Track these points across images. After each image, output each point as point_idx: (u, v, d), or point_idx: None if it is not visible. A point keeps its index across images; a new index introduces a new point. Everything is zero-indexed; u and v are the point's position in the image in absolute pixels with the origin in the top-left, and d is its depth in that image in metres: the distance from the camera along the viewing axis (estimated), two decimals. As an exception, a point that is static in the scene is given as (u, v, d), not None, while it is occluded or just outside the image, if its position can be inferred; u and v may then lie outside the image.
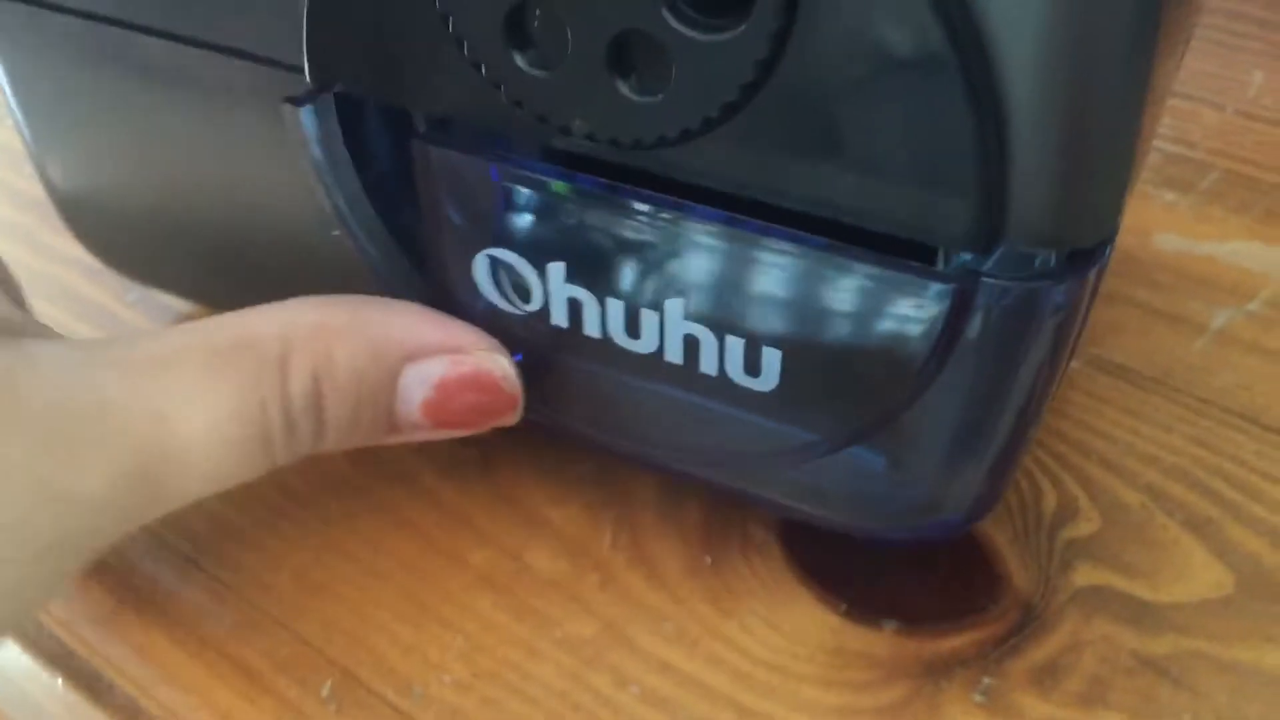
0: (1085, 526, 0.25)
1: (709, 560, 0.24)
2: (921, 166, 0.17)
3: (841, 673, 0.22)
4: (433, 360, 0.22)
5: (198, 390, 0.20)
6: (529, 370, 0.23)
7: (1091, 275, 0.19)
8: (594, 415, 0.24)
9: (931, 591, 0.24)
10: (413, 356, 0.21)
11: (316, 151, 0.22)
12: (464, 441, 0.26)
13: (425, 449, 0.26)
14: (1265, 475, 0.26)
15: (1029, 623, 0.23)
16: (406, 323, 0.22)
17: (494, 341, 0.22)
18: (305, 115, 0.22)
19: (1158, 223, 0.34)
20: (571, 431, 0.25)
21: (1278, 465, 0.26)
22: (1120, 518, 0.25)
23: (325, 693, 0.22)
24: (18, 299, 0.23)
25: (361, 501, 0.25)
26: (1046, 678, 0.22)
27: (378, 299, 0.22)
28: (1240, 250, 0.33)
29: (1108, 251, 0.19)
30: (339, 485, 0.25)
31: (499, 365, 0.22)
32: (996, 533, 0.25)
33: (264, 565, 0.24)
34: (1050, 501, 0.26)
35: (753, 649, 0.23)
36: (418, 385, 0.21)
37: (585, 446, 0.26)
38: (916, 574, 0.24)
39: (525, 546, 0.24)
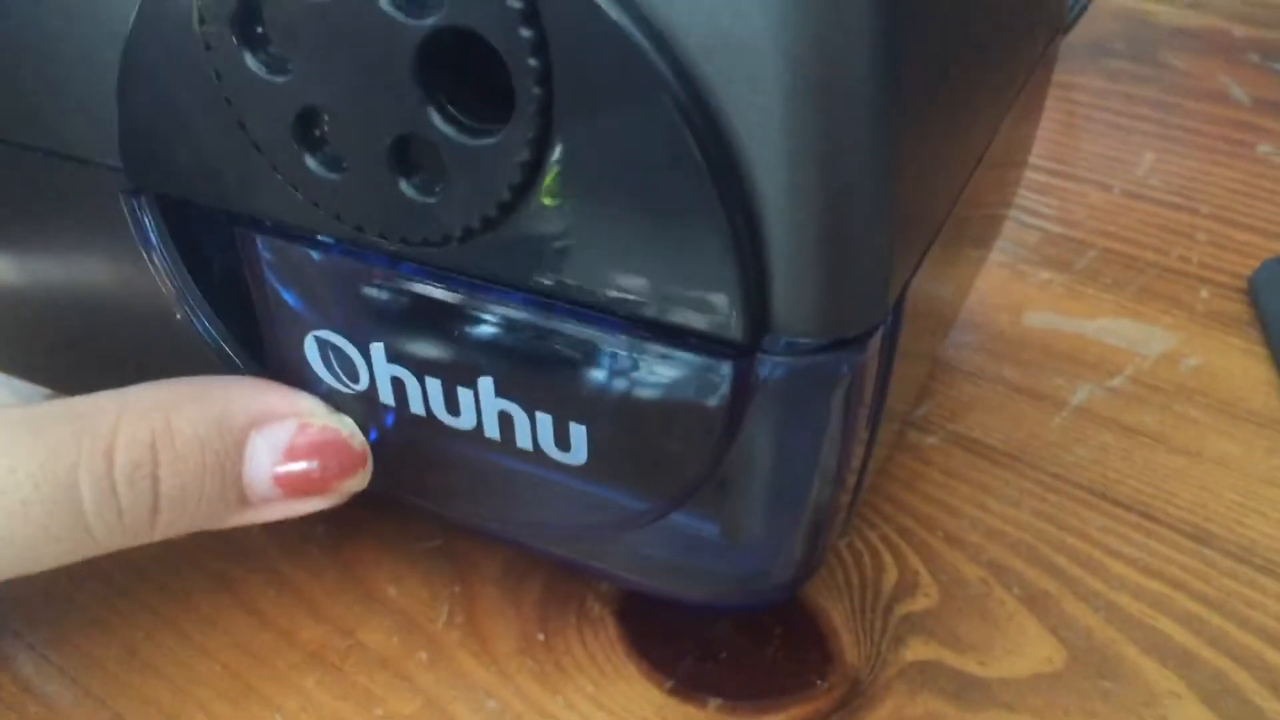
0: (922, 601, 0.25)
1: (542, 637, 0.24)
2: (682, 266, 0.18)
3: (659, 750, 0.22)
4: (280, 425, 0.22)
5: (2, 449, 0.19)
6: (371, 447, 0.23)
7: (868, 356, 0.20)
8: (430, 489, 0.24)
9: (761, 668, 0.24)
10: (259, 423, 0.21)
11: (152, 241, 0.23)
12: (313, 519, 0.26)
13: (274, 527, 0.26)
14: (1108, 550, 0.26)
15: (854, 698, 0.23)
16: (251, 392, 0.22)
17: (324, 404, 0.22)
18: (136, 209, 0.22)
19: (1030, 301, 0.35)
20: (412, 506, 0.25)
21: (1122, 540, 0.27)
22: (958, 592, 0.25)
23: (135, 772, 0.22)
24: None
25: (202, 578, 0.25)
26: (864, 754, 0.22)
27: (221, 376, 0.22)
28: (1109, 327, 0.34)
29: (883, 333, 0.19)
30: (181, 562, 0.26)
31: (345, 424, 0.22)
32: (833, 608, 0.25)
33: (93, 641, 0.24)
34: (891, 577, 0.26)
35: (574, 726, 0.23)
36: (267, 451, 0.21)
37: (429, 520, 0.26)
38: (749, 650, 0.24)
39: (360, 624, 0.24)
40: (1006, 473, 0.29)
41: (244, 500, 0.22)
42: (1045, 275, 0.36)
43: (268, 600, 0.25)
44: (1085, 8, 0.48)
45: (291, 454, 0.22)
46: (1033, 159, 0.42)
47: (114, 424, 0.20)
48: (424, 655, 0.24)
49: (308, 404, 0.22)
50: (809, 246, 0.17)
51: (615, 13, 0.16)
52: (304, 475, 0.22)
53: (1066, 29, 0.45)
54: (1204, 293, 0.35)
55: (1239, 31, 0.53)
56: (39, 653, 0.24)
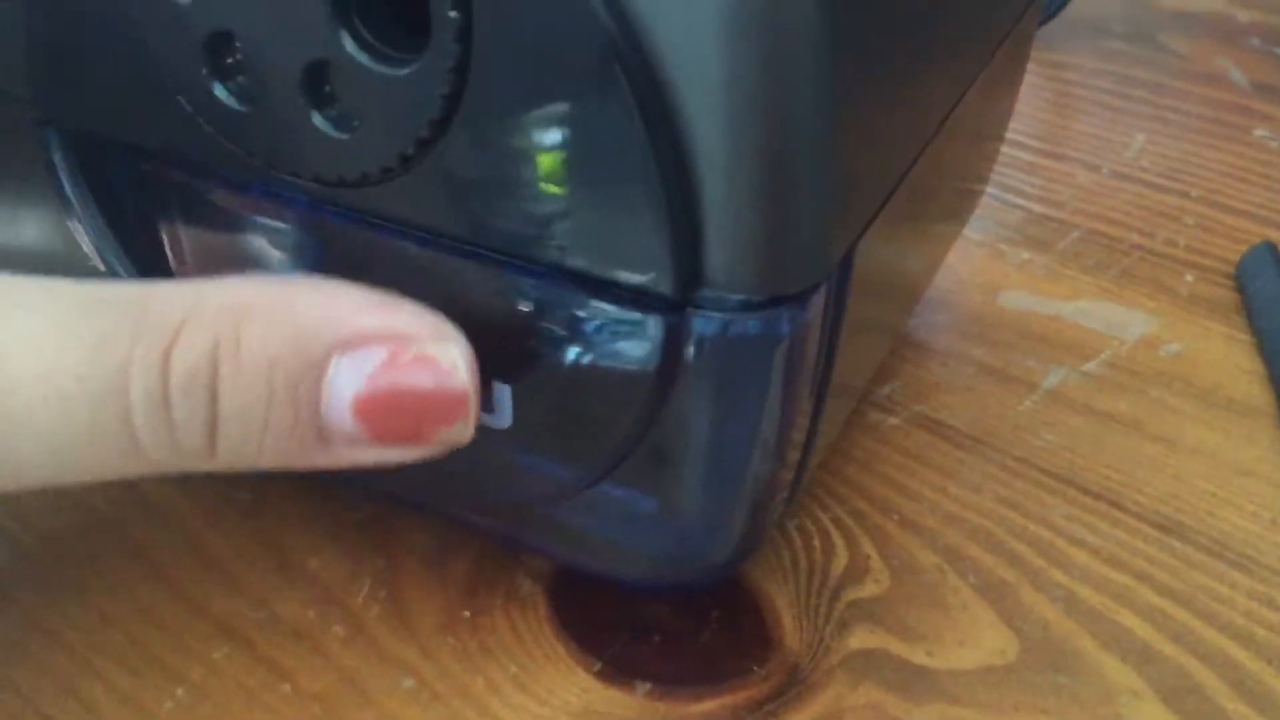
0: (872, 587, 0.24)
1: (467, 614, 0.23)
2: (609, 213, 0.17)
3: (581, 735, 0.21)
4: (369, 349, 0.17)
5: (47, 327, 0.16)
6: None
7: (809, 316, 0.18)
8: None
9: (696, 652, 0.23)
10: (345, 346, 0.17)
11: (62, 179, 0.22)
12: (236, 483, 0.25)
13: (192, 490, 0.25)
14: (1071, 539, 0.25)
15: (791, 686, 0.22)
16: (340, 305, 0.17)
17: (448, 327, 0.18)
18: (47, 142, 0.21)
19: (1008, 280, 0.33)
20: (339, 475, 0.24)
21: (1087, 529, 0.25)
22: (910, 579, 0.24)
23: (22, 745, 0.20)
24: None
25: (113, 542, 0.24)
26: (798, 746, 0.21)
27: (313, 280, 0.18)
28: (1087, 309, 0.32)
29: (825, 292, 0.18)
30: (92, 524, 0.24)
31: (447, 356, 0.18)
32: (777, 592, 0.24)
33: (-8, 609, 0.23)
34: (841, 561, 0.24)
35: (495, 709, 0.21)
36: (349, 379, 0.17)
37: (356, 490, 0.25)
38: (684, 633, 0.23)
39: (276, 595, 0.23)
40: (970, 456, 0.27)
41: (322, 438, 0.18)
42: (1025, 255, 0.35)
43: (180, 569, 0.24)
44: (1081, -15, 0.46)
45: (377, 382, 0.17)
46: (1019, 138, 0.41)
47: (179, 320, 0.17)
48: (340, 630, 0.23)
49: (413, 323, 0.17)
50: (744, 195, 0.16)
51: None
52: (392, 413, 0.18)
53: (1058, 6, 0.44)
54: (1189, 277, 0.34)
55: (1243, 16, 0.51)
56: (-66, 616, 0.23)
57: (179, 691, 0.21)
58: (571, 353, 0.19)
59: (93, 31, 0.19)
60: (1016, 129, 0.41)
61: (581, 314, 0.18)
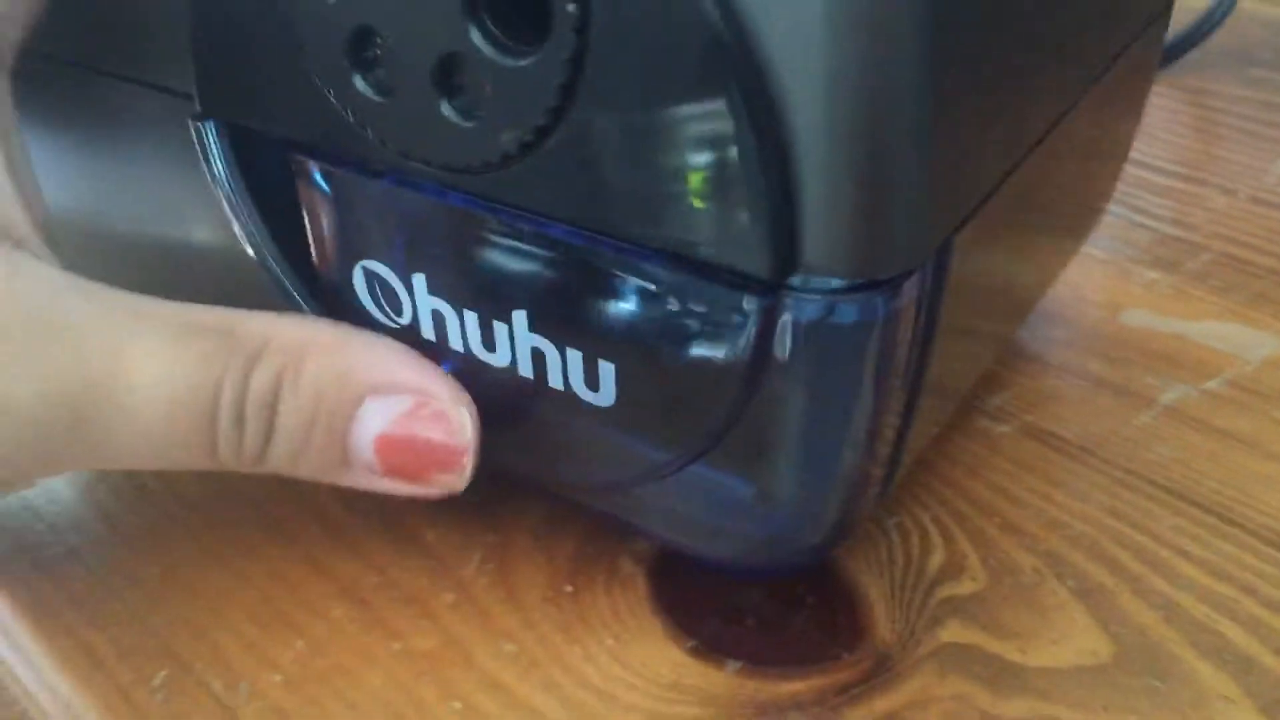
0: (968, 585, 0.24)
1: (570, 589, 0.24)
2: (714, 197, 0.18)
3: (670, 706, 0.22)
4: (398, 398, 0.21)
5: (160, 344, 0.20)
6: None
7: (902, 302, 0.19)
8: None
9: (788, 637, 0.23)
10: (378, 390, 0.21)
11: (217, 169, 0.24)
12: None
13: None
14: (1176, 550, 0.25)
15: (879, 674, 0.22)
16: (382, 357, 0.22)
17: (464, 395, 0.22)
18: (203, 135, 0.23)
19: (1132, 299, 0.33)
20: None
21: (1194, 541, 0.25)
22: (1007, 579, 0.24)
23: (157, 682, 0.22)
24: (37, 218, 0.23)
25: (251, 514, 0.26)
26: (882, 729, 0.21)
27: (366, 332, 0.22)
28: (1213, 330, 0.32)
29: (919, 281, 0.19)
30: (231, 495, 0.26)
31: (461, 416, 0.22)
32: (872, 584, 0.24)
33: (138, 561, 0.25)
34: (938, 559, 0.25)
35: (589, 676, 0.22)
36: (376, 418, 0.21)
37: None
38: (777, 617, 0.24)
39: (393, 563, 0.25)
40: (1078, 466, 0.27)
41: (345, 461, 0.22)
42: (1152, 275, 0.34)
43: (310, 536, 0.25)
44: (1228, 11, 0.46)
45: (399, 426, 0.21)
46: (1155, 162, 0.40)
47: (258, 347, 0.21)
48: (450, 597, 0.24)
49: (437, 385, 0.22)
50: (841, 179, 0.17)
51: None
52: (403, 454, 0.22)
53: (1202, 35, 0.43)
54: (1324, 301, 0.33)
55: (1403, 45, 0.50)
56: (88, 567, 0.25)
57: (299, 643, 0.23)
58: (671, 334, 0.20)
59: (249, 29, 0.21)
60: (1153, 153, 0.41)
61: (682, 296, 0.19)
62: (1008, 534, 0.25)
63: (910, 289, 0.19)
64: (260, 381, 0.21)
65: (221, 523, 0.26)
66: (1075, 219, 0.29)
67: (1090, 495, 0.26)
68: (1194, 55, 0.47)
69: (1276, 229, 0.37)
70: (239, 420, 0.21)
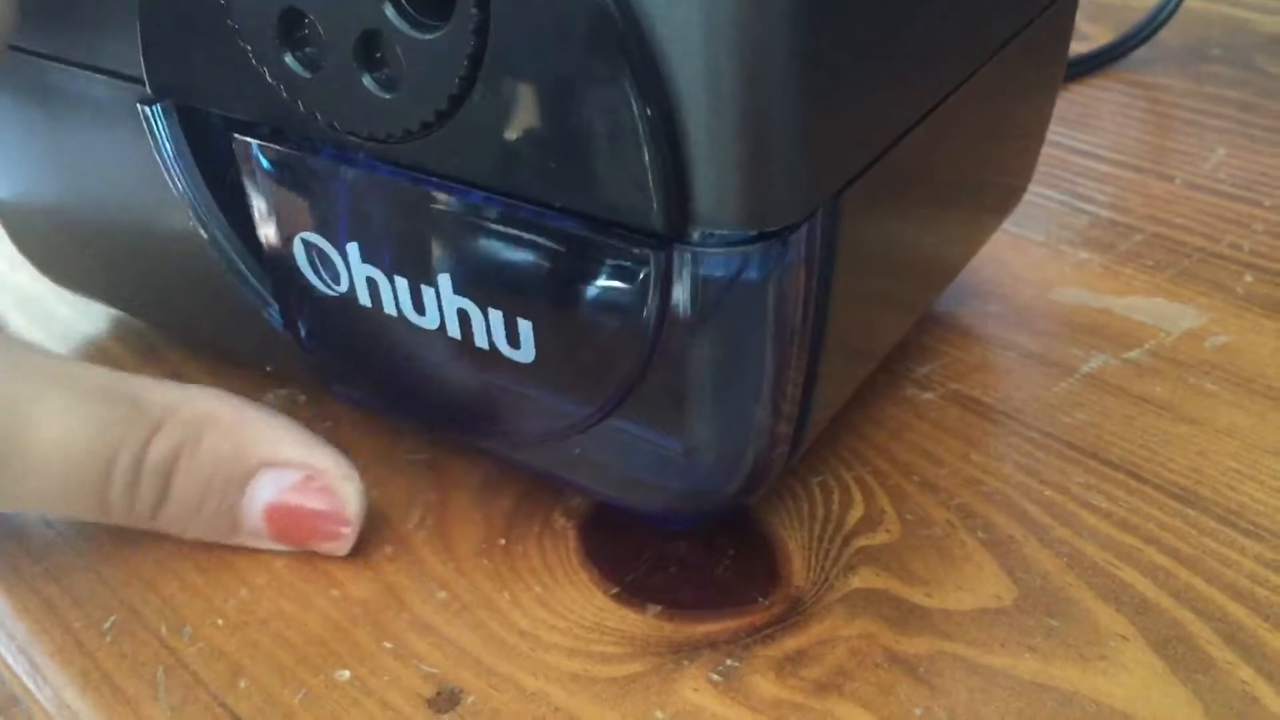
0: (882, 536, 0.25)
1: (503, 542, 0.25)
2: (610, 157, 0.19)
3: (589, 645, 0.23)
4: (289, 471, 0.24)
5: (66, 406, 0.22)
6: (353, 352, 0.25)
7: (793, 253, 0.20)
8: (406, 395, 0.26)
9: (708, 583, 0.24)
10: (271, 463, 0.24)
11: (166, 149, 0.25)
12: (315, 419, 0.28)
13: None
14: (1084, 504, 0.26)
15: (791, 615, 0.23)
16: (277, 434, 0.24)
17: (352, 471, 0.24)
18: (152, 117, 0.25)
19: (1063, 278, 0.34)
20: (394, 413, 0.27)
21: (1103, 496, 0.26)
22: (920, 531, 0.25)
23: (107, 626, 0.23)
24: None
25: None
26: (789, 665, 0.22)
27: (264, 409, 0.24)
28: (1139, 305, 0.33)
29: (809, 232, 0.20)
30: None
31: (347, 492, 0.24)
32: (791, 537, 0.25)
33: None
34: (856, 513, 0.26)
35: (515, 619, 0.24)
36: (267, 489, 0.24)
37: (417, 432, 0.28)
38: (699, 566, 0.25)
39: (336, 519, 0.26)
40: (997, 429, 0.28)
41: (234, 527, 0.24)
42: (1084, 255, 0.35)
43: (258, 493, 0.27)
44: (1175, 8, 0.47)
45: (286, 500, 0.24)
46: (1099, 151, 0.42)
47: (160, 418, 0.23)
48: (389, 549, 0.25)
49: (326, 461, 0.24)
50: (723, 135, 0.18)
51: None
52: (290, 522, 0.24)
53: (1151, 30, 0.45)
54: (1249, 278, 0.34)
55: (1350, 41, 0.51)
56: (47, 522, 0.26)
57: (243, 591, 0.24)
58: (580, 291, 0.21)
59: (192, 12, 0.22)
60: (1098, 143, 0.42)
61: (587, 254, 0.20)
62: (925, 490, 0.27)
63: (798, 241, 0.20)
64: (159, 450, 0.22)
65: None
66: (988, 194, 0.30)
67: (1006, 455, 0.28)
68: (1144, 52, 0.49)
69: (1209, 211, 0.38)
70: (133, 485, 0.23)
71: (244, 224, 0.25)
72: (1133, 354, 0.31)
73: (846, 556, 0.25)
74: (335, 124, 0.21)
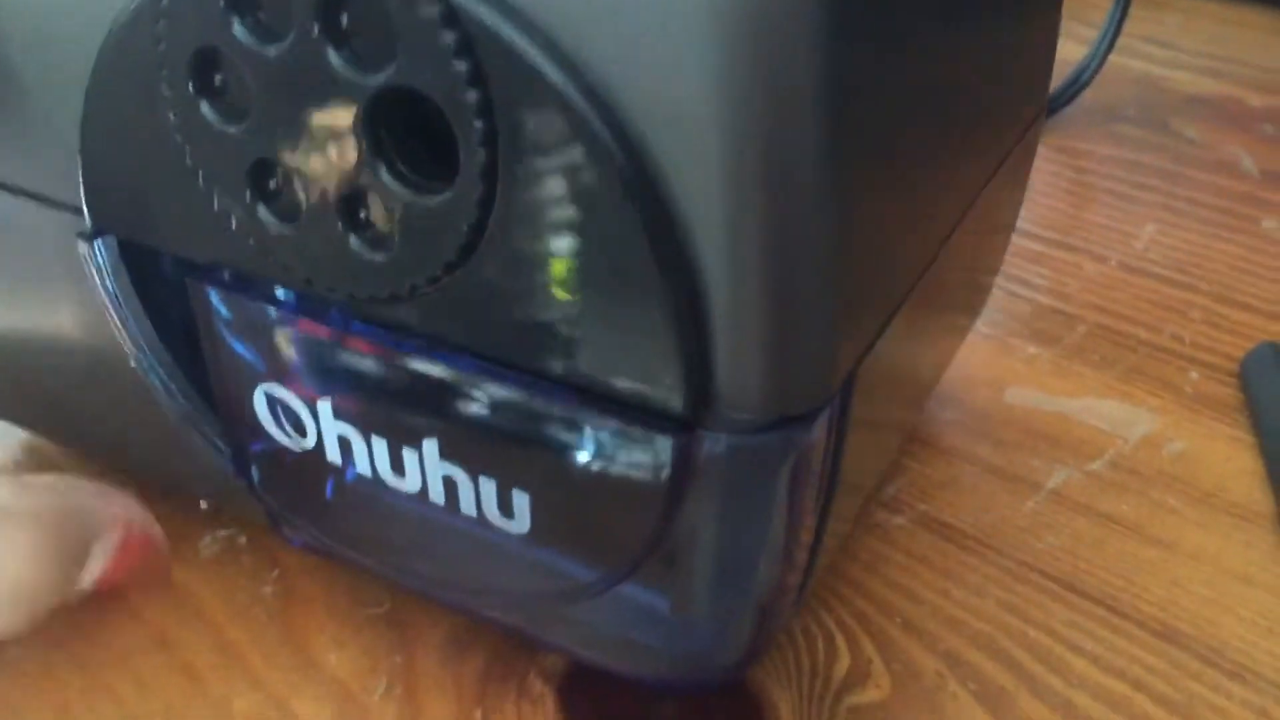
0: (873, 692, 0.25)
1: (479, 714, 0.24)
2: (623, 335, 0.17)
3: (586, 840, 0.22)
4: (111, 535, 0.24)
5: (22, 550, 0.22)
6: (315, 504, 0.23)
7: (814, 436, 0.19)
8: (377, 550, 0.24)
9: (700, 756, 0.23)
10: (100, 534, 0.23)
11: (109, 285, 0.23)
12: (264, 581, 0.26)
13: (223, 588, 0.26)
14: (1071, 646, 0.26)
15: (791, 794, 0.23)
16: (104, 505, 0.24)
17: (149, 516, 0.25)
18: (95, 252, 0.22)
19: (1015, 376, 0.34)
20: (360, 565, 0.25)
21: (1086, 636, 0.26)
22: (911, 684, 0.25)
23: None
24: None
25: (142, 636, 0.25)
26: None
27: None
28: (1093, 407, 0.33)
29: (830, 413, 0.19)
30: (125, 620, 0.25)
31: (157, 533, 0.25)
32: (781, 695, 0.24)
33: (27, 698, 0.24)
34: (843, 665, 0.25)
35: (503, 810, 0.22)
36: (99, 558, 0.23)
37: (377, 582, 0.26)
38: (689, 736, 0.24)
39: (295, 693, 0.24)
40: (973, 558, 0.28)
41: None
42: (1032, 350, 0.35)
43: (206, 664, 0.25)
44: (1099, 68, 0.47)
45: (118, 557, 0.23)
46: (1030, 227, 0.42)
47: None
48: (358, 728, 0.23)
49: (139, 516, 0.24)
50: (751, 322, 0.17)
51: (557, 77, 0.15)
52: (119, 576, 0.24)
53: (1072, 94, 0.45)
54: (1194, 374, 0.34)
55: (1255, 100, 0.52)
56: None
57: (201, 789, 0.22)
58: (586, 465, 0.20)
59: (145, 151, 0.20)
60: (1026, 216, 0.42)
61: (596, 429, 0.19)
62: (908, 634, 0.26)
63: (821, 421, 0.19)
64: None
65: (112, 650, 0.25)
66: (971, 297, 0.30)
67: (985, 590, 0.27)
68: (1063, 113, 0.49)
69: (1145, 297, 0.38)
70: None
71: (194, 367, 0.23)
72: (1094, 465, 0.31)
73: (840, 718, 0.24)
74: (313, 280, 0.19)
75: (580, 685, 0.25)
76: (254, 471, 0.24)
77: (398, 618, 0.26)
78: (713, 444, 0.18)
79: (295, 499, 0.24)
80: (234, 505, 0.26)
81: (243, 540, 0.27)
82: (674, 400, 0.18)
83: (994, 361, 0.35)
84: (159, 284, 0.23)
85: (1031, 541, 0.28)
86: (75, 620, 0.25)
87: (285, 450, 0.23)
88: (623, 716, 0.24)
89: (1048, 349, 0.35)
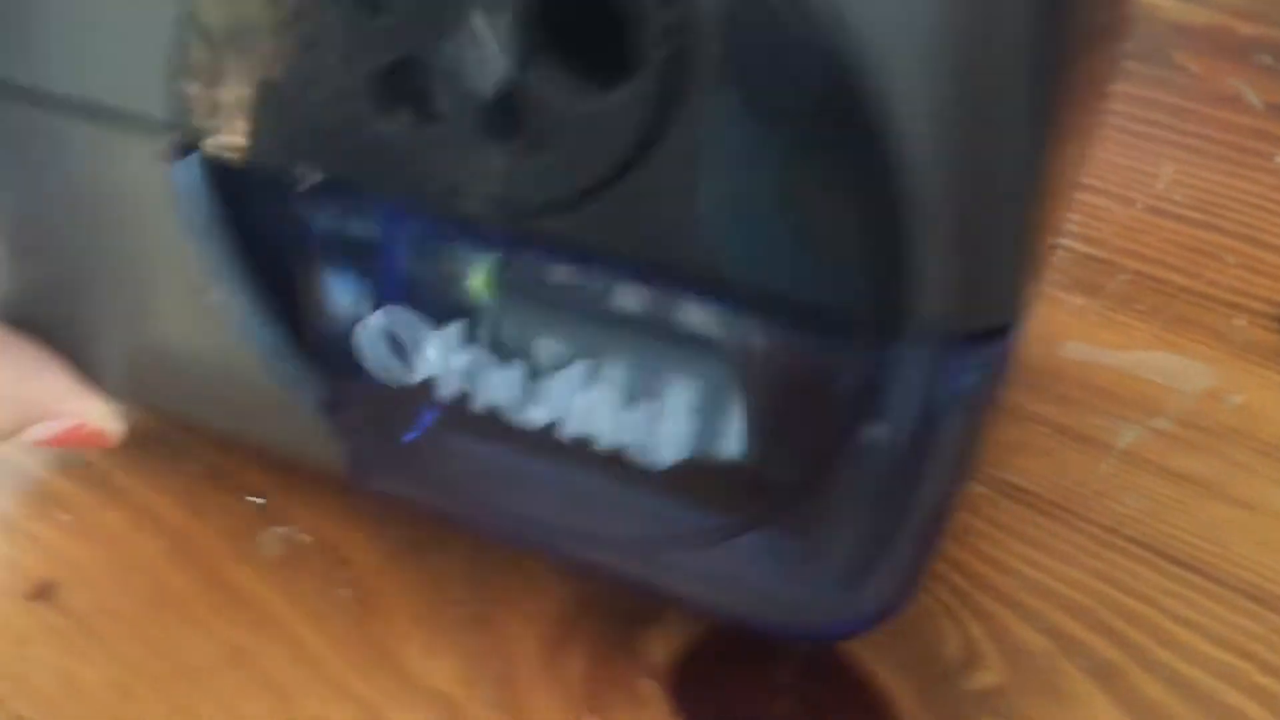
0: (990, 676, 0.24)
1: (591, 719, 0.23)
2: (822, 243, 0.16)
3: None
4: (59, 421, 0.24)
5: None
6: (405, 447, 0.22)
7: (1007, 350, 0.18)
8: (471, 497, 0.23)
9: (826, 752, 0.22)
10: (47, 417, 0.24)
11: (194, 209, 0.21)
12: (337, 582, 0.24)
13: (293, 592, 0.24)
14: (1171, 615, 0.25)
15: (926, 789, 0.22)
16: (52, 390, 0.24)
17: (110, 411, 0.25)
18: (181, 171, 0.20)
19: (1066, 329, 0.34)
20: (448, 512, 0.24)
21: (1183, 603, 0.26)
22: (1025, 664, 0.24)
23: None
24: None
25: (217, 652, 0.23)
26: None
27: (39, 357, 0.24)
28: (1146, 360, 0.33)
29: (1010, 339, 0.18)
30: (199, 635, 0.24)
31: (111, 426, 0.25)
32: (898, 685, 0.24)
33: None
34: (952, 646, 0.25)
35: (633, 822, 0.21)
36: (38, 432, 0.24)
37: (474, 532, 0.25)
38: (811, 732, 0.23)
39: (392, 702, 0.23)
40: (1058, 525, 0.27)
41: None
42: (1078, 301, 0.35)
43: (294, 680, 0.23)
44: None
45: (55, 439, 0.25)
46: (1052, 169, 0.41)
47: None
48: (469, 742, 0.22)
49: (93, 412, 0.25)
50: (963, 227, 0.16)
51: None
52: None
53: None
54: (1238, 321, 0.34)
55: (1245, 29, 0.52)
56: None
57: (313, 818, 0.21)
58: (768, 385, 0.19)
59: (263, 49, 0.18)
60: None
61: (780, 347, 0.18)
62: (1010, 610, 0.25)
63: (1012, 339, 0.18)
64: None
65: (188, 669, 0.23)
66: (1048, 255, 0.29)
67: (1075, 558, 0.27)
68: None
69: (1176, 241, 0.38)
70: None
71: (287, 298, 0.21)
72: (1159, 423, 0.30)
73: (962, 704, 0.23)
74: (456, 189, 0.18)
75: (687, 680, 0.24)
76: (339, 412, 0.22)
77: (484, 615, 0.24)
78: (906, 356, 0.17)
79: (383, 442, 0.22)
80: (309, 456, 0.24)
81: (306, 539, 0.26)
82: (869, 312, 0.17)
83: (1042, 314, 0.34)
84: (248, 210, 0.21)
85: (1113, 505, 0.28)
86: (140, 632, 0.23)
87: (379, 388, 0.21)
88: (735, 710, 0.23)
89: (1092, 299, 0.35)
